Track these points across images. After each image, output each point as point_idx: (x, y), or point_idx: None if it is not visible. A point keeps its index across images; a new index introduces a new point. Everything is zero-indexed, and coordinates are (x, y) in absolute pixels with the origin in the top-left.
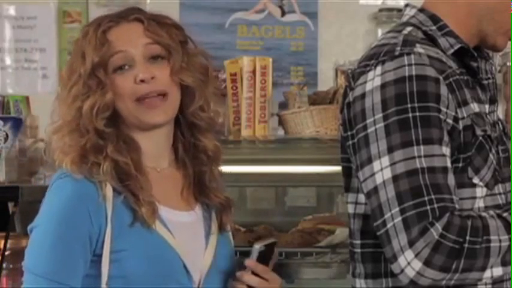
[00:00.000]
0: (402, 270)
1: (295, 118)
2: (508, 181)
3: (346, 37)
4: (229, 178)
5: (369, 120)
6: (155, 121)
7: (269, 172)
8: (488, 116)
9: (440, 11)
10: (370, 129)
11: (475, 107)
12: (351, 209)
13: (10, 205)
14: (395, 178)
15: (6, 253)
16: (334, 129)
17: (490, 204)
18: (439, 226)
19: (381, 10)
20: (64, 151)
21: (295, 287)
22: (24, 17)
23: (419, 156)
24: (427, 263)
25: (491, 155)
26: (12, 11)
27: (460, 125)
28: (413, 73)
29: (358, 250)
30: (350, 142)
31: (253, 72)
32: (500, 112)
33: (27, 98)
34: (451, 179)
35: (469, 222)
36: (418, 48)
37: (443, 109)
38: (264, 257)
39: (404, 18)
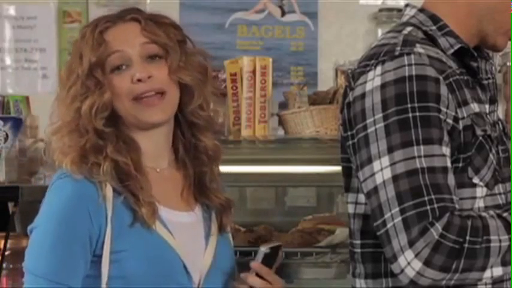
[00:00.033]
0: (402, 270)
1: (295, 118)
2: (508, 181)
3: (346, 37)
4: (229, 178)
5: (369, 120)
6: (153, 120)
7: (269, 172)
8: (488, 116)
9: (440, 11)
10: (370, 129)
11: (475, 107)
12: (351, 209)
13: (10, 205)
14: (395, 178)
15: (6, 253)
16: (334, 129)
17: (490, 204)
18: (439, 226)
19: (381, 10)
20: (64, 151)
21: (295, 287)
22: (24, 17)
23: (419, 156)
24: (427, 263)
25: (491, 155)
26: (12, 11)
27: (460, 125)
28: (413, 73)
29: (358, 250)
30: (350, 142)
31: (253, 72)
32: (500, 112)
33: (27, 98)
34: (451, 179)
35: (469, 222)
36: (418, 48)
37: (443, 109)
38: (268, 260)
39: (405, 18)
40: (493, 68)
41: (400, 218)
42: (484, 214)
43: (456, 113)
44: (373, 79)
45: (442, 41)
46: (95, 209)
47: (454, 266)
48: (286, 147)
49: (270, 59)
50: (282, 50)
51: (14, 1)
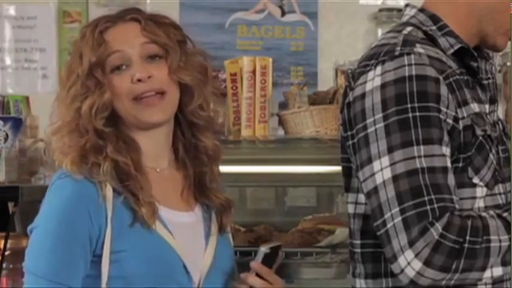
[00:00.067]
0: (402, 270)
1: (295, 118)
2: (508, 181)
3: (346, 37)
4: (229, 178)
5: (369, 120)
6: (153, 120)
7: (269, 172)
8: (488, 116)
9: (440, 11)
10: (370, 129)
11: (475, 107)
12: (351, 209)
13: (10, 205)
14: (395, 178)
15: (6, 253)
16: (334, 129)
17: (490, 204)
18: (439, 226)
19: (381, 10)
20: (64, 151)
21: (295, 287)
22: (24, 17)
23: (419, 156)
24: (427, 263)
25: (491, 155)
26: (12, 11)
27: (460, 125)
28: (413, 73)
29: (358, 250)
30: (350, 142)
31: (253, 72)
32: (500, 112)
33: (27, 98)
34: (451, 179)
35: (469, 222)
36: (418, 48)
37: (443, 109)
38: (268, 260)
39: (405, 18)
40: (493, 68)
41: (400, 218)
42: (484, 214)
43: (456, 113)
44: (373, 79)
45: (442, 41)
46: (95, 209)
47: (454, 266)
48: (286, 147)
49: (270, 59)
50: (282, 50)
51: (14, 1)
